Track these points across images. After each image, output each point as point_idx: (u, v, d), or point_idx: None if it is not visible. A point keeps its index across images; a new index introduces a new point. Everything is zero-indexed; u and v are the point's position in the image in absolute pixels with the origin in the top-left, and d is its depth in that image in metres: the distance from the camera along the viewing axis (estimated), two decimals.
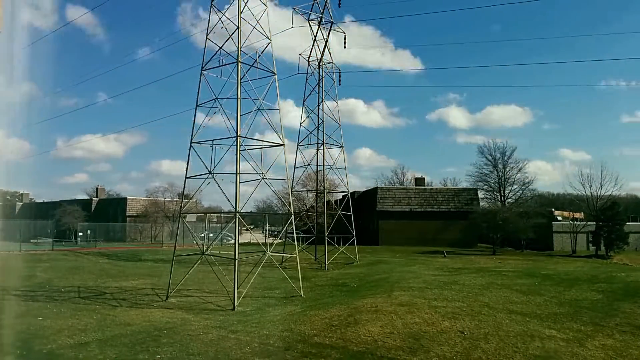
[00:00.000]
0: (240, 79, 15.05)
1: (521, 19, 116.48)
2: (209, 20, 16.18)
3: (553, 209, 49.04)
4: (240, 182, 14.74)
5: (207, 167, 15.40)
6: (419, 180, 51.69)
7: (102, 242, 45.74)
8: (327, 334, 9.92)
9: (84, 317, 12.03)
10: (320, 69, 28.79)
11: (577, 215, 46.63)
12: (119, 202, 60.16)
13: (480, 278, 17.70)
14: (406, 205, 45.83)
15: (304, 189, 41.43)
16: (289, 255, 22.72)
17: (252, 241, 38.32)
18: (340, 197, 42.13)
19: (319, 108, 28.34)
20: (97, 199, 63.90)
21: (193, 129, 15.88)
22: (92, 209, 60.43)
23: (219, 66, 15.79)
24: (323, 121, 28.15)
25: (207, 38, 16.05)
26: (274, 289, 16.98)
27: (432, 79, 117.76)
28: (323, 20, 28.31)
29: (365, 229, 42.37)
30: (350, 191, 31.31)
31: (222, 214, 33.47)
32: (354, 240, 28.36)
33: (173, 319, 11.97)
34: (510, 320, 10.77)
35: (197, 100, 16.05)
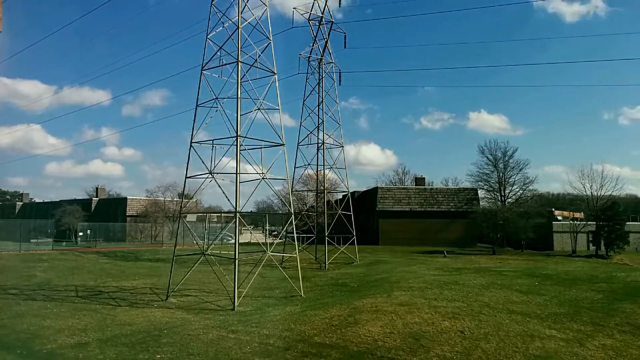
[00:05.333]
0: (240, 79, 15.05)
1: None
2: (209, 20, 16.19)
3: (553, 209, 49.06)
4: (240, 182, 14.75)
5: (207, 167, 15.42)
6: (419, 180, 51.71)
7: (102, 242, 45.73)
8: (327, 333, 9.92)
9: (84, 317, 12.04)
10: (320, 69, 28.81)
11: (577, 215, 46.65)
12: (119, 202, 60.14)
13: (481, 278, 17.69)
14: (406, 205, 45.85)
15: (304, 189, 41.44)
16: (289, 255, 22.72)
17: (252, 241, 38.33)
18: (340, 197, 42.15)
19: (319, 108, 28.37)
20: (97, 198, 63.91)
21: (193, 129, 15.90)
22: (92, 208, 60.43)
23: (219, 66, 15.80)
24: (323, 121, 28.18)
25: (207, 38, 16.05)
26: (274, 289, 16.98)
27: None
28: (323, 20, 28.33)
29: (365, 229, 42.37)
30: (351, 191, 31.32)
31: (222, 214, 33.52)
32: (354, 240, 28.37)
33: (173, 319, 11.97)
34: (510, 320, 10.77)
35: (197, 100, 16.06)
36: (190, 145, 15.76)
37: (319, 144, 28.43)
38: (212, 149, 15.47)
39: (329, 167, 29.12)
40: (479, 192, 44.77)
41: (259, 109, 15.73)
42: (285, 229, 25.76)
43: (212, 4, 16.25)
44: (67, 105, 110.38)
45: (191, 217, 49.19)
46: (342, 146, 28.85)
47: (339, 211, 28.28)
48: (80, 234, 48.12)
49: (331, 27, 28.59)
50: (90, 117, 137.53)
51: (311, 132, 28.53)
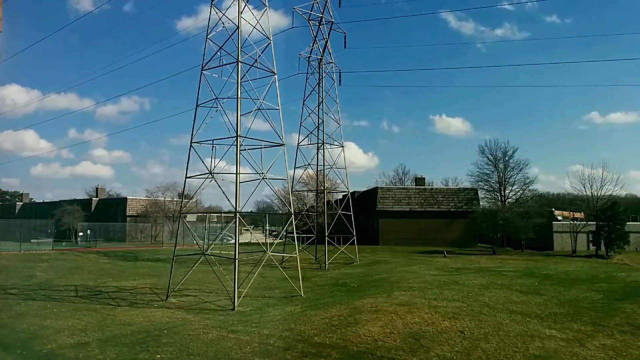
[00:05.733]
0: (240, 79, 15.05)
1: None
2: (209, 20, 16.19)
3: (553, 209, 49.06)
4: (240, 182, 14.75)
5: (207, 167, 15.42)
6: (419, 180, 51.71)
7: (102, 242, 45.71)
8: (327, 333, 9.92)
9: (84, 317, 12.04)
10: (320, 69, 28.81)
11: (577, 215, 46.64)
12: (119, 202, 60.14)
13: (481, 278, 17.69)
14: (406, 205, 45.84)
15: (304, 189, 41.45)
16: (289, 255, 22.72)
17: (252, 241, 38.34)
18: (340, 197, 42.14)
19: (319, 108, 28.38)
20: (97, 199, 63.89)
21: (193, 129, 15.89)
22: (92, 209, 60.42)
23: (219, 66, 15.80)
24: (323, 121, 28.18)
25: (207, 38, 16.06)
26: (274, 289, 16.98)
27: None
28: (323, 20, 28.33)
29: (365, 229, 42.36)
30: (351, 191, 31.32)
31: (222, 214, 33.52)
32: (354, 240, 28.37)
33: (173, 319, 11.97)
34: (510, 320, 10.77)
35: (197, 100, 16.06)
36: (190, 145, 15.76)
37: (319, 144, 28.45)
38: (212, 149, 15.48)
39: (329, 167, 29.15)
40: (479, 192, 44.79)
41: (259, 109, 15.74)
42: (285, 229, 25.75)
43: (212, 4, 16.26)
44: (58, 109, 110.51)
45: (191, 217, 49.16)
46: (342, 146, 28.89)
47: (339, 211, 28.28)
48: (80, 234, 48.10)
49: (331, 27, 28.61)
50: (79, 120, 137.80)
51: (311, 132, 28.57)
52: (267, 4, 16.51)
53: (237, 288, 13.88)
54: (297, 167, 29.41)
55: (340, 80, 30.78)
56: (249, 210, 50.16)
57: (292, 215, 17.67)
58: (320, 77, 28.68)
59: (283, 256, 24.12)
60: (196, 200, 51.21)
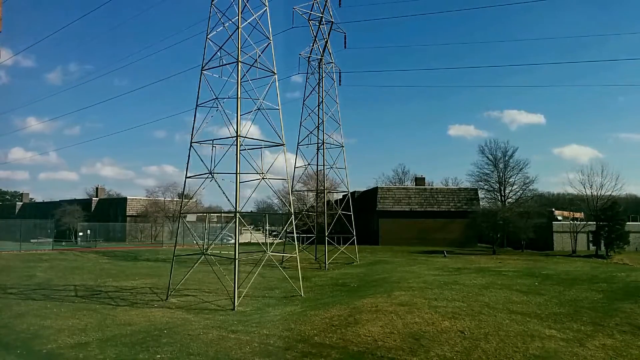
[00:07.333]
0: (240, 79, 15.04)
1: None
2: (209, 19, 16.19)
3: (553, 209, 49.07)
4: (240, 182, 14.74)
5: (207, 167, 15.41)
6: (419, 180, 51.73)
7: (102, 242, 45.73)
8: (327, 334, 9.91)
9: (84, 317, 12.04)
10: (321, 69, 28.82)
11: (577, 215, 46.65)
12: (119, 202, 60.16)
13: (481, 278, 17.69)
14: (406, 205, 45.86)
15: (304, 189, 41.46)
16: (289, 255, 22.72)
17: (252, 241, 38.36)
18: (341, 197, 42.16)
19: (319, 108, 28.38)
20: (97, 198, 63.91)
21: (193, 129, 15.90)
22: (92, 208, 60.44)
23: (219, 66, 15.79)
24: (323, 121, 28.18)
25: (207, 38, 16.05)
26: (274, 289, 16.98)
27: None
28: (323, 20, 28.34)
29: (365, 229, 42.36)
30: (351, 191, 31.32)
31: (222, 214, 33.53)
32: (354, 240, 28.38)
33: (173, 319, 11.97)
34: (510, 320, 10.77)
35: (197, 100, 16.06)
36: (190, 145, 15.76)
37: (319, 144, 28.45)
38: (212, 149, 15.47)
39: (329, 167, 29.17)
40: (479, 192, 44.78)
41: (259, 109, 15.74)
42: (285, 229, 25.75)
43: (212, 4, 16.25)
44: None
45: (191, 217, 49.16)
46: (342, 146, 28.90)
47: (339, 211, 28.29)
48: (80, 234, 48.11)
49: (331, 27, 28.61)
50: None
51: (311, 132, 28.58)
52: (267, 4, 16.51)
53: (237, 288, 13.88)
54: (297, 167, 29.46)
55: (340, 80, 30.84)
56: (249, 210, 50.16)
57: (292, 215, 17.67)
58: (320, 77, 28.71)
59: (283, 256, 24.13)
60: (196, 200, 51.24)
